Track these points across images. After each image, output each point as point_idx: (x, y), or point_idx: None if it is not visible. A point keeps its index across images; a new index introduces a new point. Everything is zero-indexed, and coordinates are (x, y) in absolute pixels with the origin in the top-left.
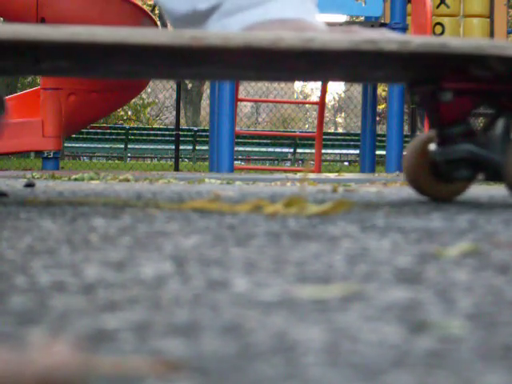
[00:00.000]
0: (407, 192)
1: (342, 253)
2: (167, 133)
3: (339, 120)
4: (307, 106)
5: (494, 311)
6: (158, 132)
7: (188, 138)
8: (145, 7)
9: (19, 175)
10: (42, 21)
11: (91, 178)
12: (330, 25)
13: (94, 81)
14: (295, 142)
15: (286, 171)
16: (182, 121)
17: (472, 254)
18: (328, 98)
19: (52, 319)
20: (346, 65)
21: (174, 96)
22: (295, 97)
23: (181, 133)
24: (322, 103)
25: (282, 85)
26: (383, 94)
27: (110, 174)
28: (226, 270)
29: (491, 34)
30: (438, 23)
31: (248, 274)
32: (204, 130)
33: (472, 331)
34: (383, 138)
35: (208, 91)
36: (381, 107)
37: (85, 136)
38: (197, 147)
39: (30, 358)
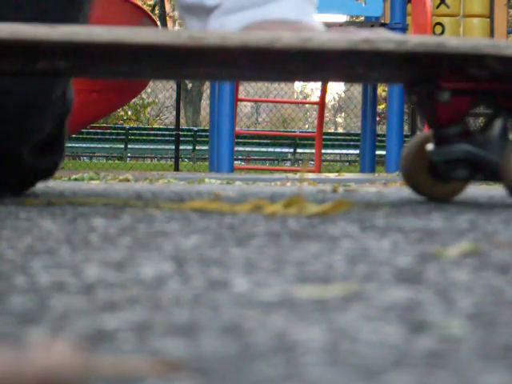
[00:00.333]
0: (407, 192)
1: (341, 253)
2: (167, 133)
3: (339, 120)
4: (307, 106)
5: (494, 311)
6: (158, 132)
7: (188, 138)
8: (145, 7)
9: None
10: None
11: (91, 178)
12: (329, 25)
13: (94, 81)
14: (295, 142)
15: (285, 171)
16: (182, 121)
17: (472, 253)
18: (328, 98)
19: (52, 319)
20: (344, 65)
21: (174, 96)
22: (295, 97)
23: (181, 133)
24: (321, 103)
25: (282, 85)
26: (383, 94)
27: (109, 173)
28: (226, 270)
29: (491, 34)
30: (438, 23)
31: (248, 273)
32: (204, 130)
33: (472, 331)
34: (383, 138)
35: (208, 91)
36: (381, 107)
37: (85, 136)
38: (197, 147)
39: (30, 358)
